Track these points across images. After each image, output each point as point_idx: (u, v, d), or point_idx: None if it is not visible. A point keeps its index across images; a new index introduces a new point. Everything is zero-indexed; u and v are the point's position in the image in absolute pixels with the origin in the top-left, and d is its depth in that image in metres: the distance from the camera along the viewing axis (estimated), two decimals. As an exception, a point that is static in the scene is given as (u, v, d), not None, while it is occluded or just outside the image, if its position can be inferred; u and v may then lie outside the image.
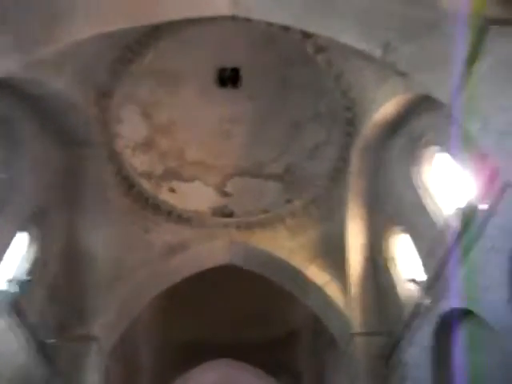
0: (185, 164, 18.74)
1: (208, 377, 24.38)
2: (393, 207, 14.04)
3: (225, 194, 18.85)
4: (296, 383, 22.29)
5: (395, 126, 13.07)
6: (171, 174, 18.22)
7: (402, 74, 9.84)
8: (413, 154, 12.55)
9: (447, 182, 11.70)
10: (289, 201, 17.53)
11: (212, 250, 17.14)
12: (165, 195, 17.45)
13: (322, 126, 17.19)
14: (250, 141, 19.27)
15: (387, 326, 14.06)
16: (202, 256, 17.17)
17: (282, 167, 18.82)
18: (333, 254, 15.82)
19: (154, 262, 15.91)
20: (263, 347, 23.31)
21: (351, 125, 14.55)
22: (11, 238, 11.52)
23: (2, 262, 10.73)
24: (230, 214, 17.86)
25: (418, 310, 11.36)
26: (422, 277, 11.57)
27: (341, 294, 15.19)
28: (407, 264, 13.40)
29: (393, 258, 14.11)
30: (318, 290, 15.72)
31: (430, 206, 11.69)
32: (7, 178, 11.00)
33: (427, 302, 10.46)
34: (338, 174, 15.79)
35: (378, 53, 9.77)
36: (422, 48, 9.09)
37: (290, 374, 22.54)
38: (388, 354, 13.18)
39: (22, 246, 12.62)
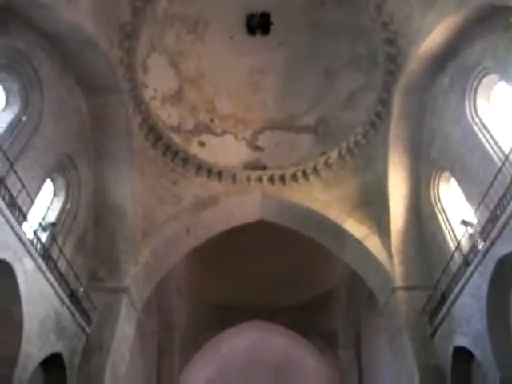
0: (215, 118, 17.95)
1: (240, 339, 24.22)
2: (439, 151, 12.84)
3: (257, 149, 18.00)
4: (331, 344, 21.74)
5: (445, 56, 11.72)
6: (201, 128, 17.49)
7: (459, -17, 8.54)
8: (466, 86, 11.19)
9: (506, 116, 10.42)
10: (323, 153, 16.50)
11: (243, 205, 16.43)
12: (194, 149, 16.80)
13: (359, 71, 15.91)
14: (281, 92, 18.23)
15: (431, 279, 13.10)
16: (233, 211, 16.50)
17: (315, 119, 17.72)
18: (372, 205, 14.83)
19: (184, 215, 15.39)
20: (296, 308, 22.87)
21: (393, 62, 13.26)
22: (39, 186, 11.13)
23: (30, 209, 10.35)
24: (263, 168, 17.07)
25: (470, 257, 10.31)
26: (475, 221, 10.48)
27: (381, 247, 14.27)
28: (456, 210, 12.29)
29: (439, 206, 13.01)
30: (357, 244, 14.83)
31: (486, 143, 10.45)
32: (29, 120, 10.49)
33: (482, 245, 9.40)
34: (378, 119, 14.61)
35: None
36: None
37: (324, 334, 22.00)
38: (433, 309, 12.26)
39: (48, 194, 12.33)
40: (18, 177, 9.25)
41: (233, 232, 20.55)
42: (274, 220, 16.99)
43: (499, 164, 9.72)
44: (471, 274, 10.00)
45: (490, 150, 10.30)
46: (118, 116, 13.77)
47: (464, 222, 9.94)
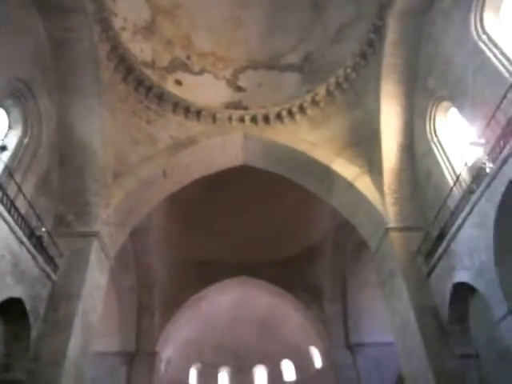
0: (192, 54, 16.34)
1: (224, 296, 23.43)
2: (437, 79, 11.78)
3: (238, 89, 16.59)
4: (316, 298, 21.15)
5: (449, -34, 10.51)
6: (177, 65, 15.89)
7: None
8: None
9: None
10: (310, 91, 15.29)
11: (224, 146, 15.20)
12: (170, 87, 15.33)
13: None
14: (264, 28, 16.64)
15: (426, 218, 12.36)
16: (214, 153, 15.26)
17: (302, 56, 16.33)
18: (363, 144, 13.81)
19: (160, 157, 14.10)
20: (281, 264, 22.06)
21: (390, -20, 11.97)
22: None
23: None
24: (245, 108, 15.78)
25: (473, 186, 9.44)
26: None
27: (373, 187, 13.36)
28: (454, 143, 11.39)
29: (436, 140, 12.08)
30: (347, 186, 13.88)
31: (495, 59, 9.41)
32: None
33: (490, 167, 8.48)
34: (370, 48, 13.39)
35: None
36: None
37: (309, 289, 21.36)
38: (429, 248, 11.49)
39: (2, 126, 10.87)
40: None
41: (214, 184, 19.44)
42: (258, 164, 15.88)
43: (511, 79, 8.75)
44: (475, 203, 9.15)
45: (499, 66, 9.27)
46: (81, 41, 12.17)
47: (473, 143, 8.98)
